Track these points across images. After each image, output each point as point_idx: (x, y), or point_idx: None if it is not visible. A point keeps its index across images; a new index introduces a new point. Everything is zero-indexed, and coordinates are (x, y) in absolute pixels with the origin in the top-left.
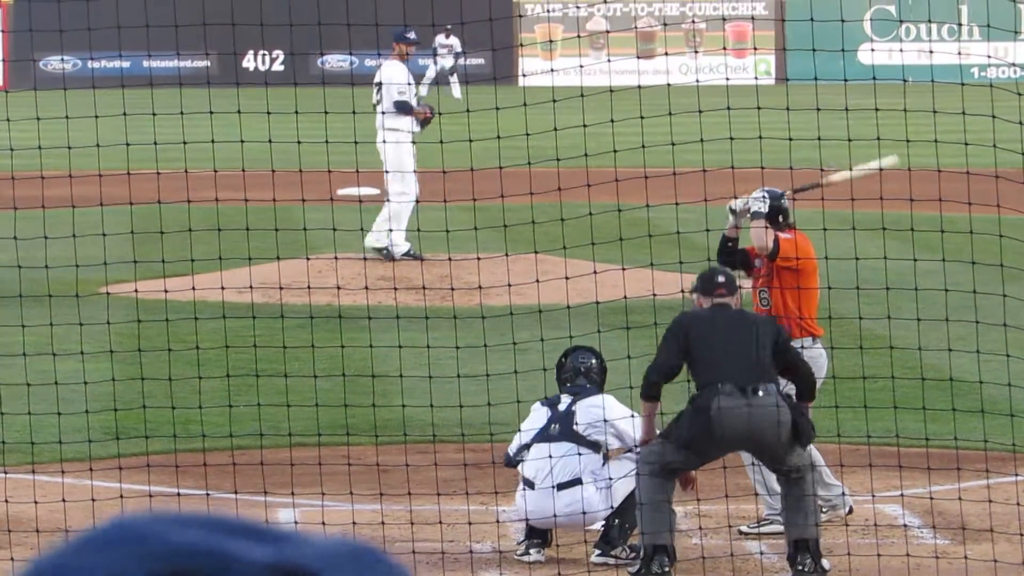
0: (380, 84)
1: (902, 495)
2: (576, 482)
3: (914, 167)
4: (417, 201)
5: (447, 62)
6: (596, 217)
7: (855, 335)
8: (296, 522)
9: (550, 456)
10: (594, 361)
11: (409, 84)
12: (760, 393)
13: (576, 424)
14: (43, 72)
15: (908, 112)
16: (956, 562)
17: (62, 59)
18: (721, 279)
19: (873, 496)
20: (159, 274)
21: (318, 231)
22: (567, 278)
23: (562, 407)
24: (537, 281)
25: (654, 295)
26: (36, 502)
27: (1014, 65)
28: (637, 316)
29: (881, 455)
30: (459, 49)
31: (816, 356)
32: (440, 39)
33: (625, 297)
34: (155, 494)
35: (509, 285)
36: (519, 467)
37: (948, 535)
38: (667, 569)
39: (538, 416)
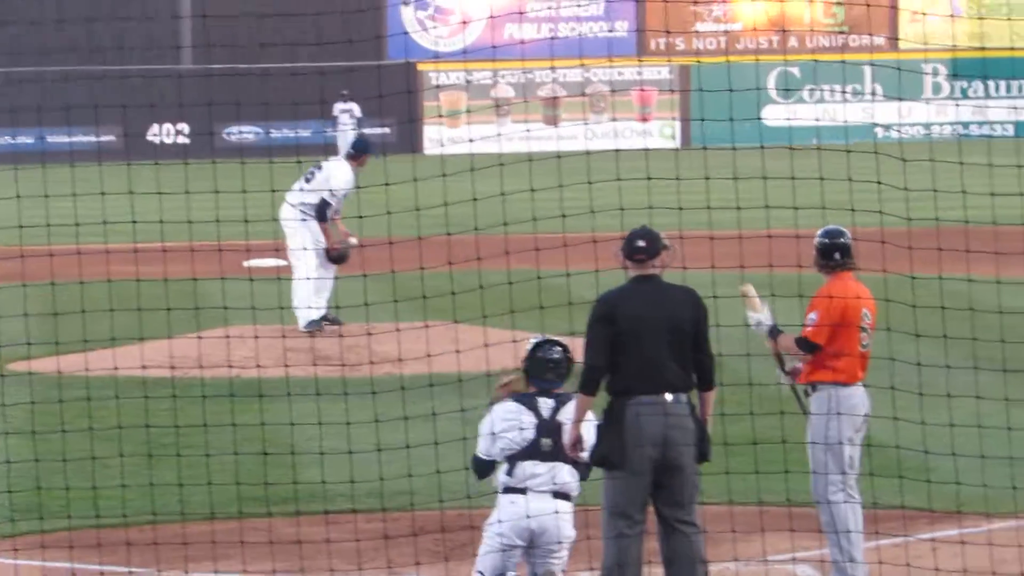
0: (319, 170)
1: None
2: (567, 496)
3: (802, 227)
4: (337, 277)
5: (349, 131)
6: (516, 286)
7: (770, 398)
8: None
9: (548, 471)
10: (561, 352)
11: (345, 194)
12: (673, 400)
13: (565, 440)
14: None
15: (797, 180)
16: None
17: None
18: (641, 243)
19: (766, 559)
20: (52, 352)
21: (214, 301)
22: (487, 346)
23: (545, 413)
24: (457, 352)
25: (572, 361)
26: None
27: (904, 125)
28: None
29: (801, 517)
30: (359, 114)
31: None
32: (339, 105)
33: (519, 367)
34: (49, 571)
35: (428, 356)
36: (500, 477)
37: None
38: None
39: (521, 423)
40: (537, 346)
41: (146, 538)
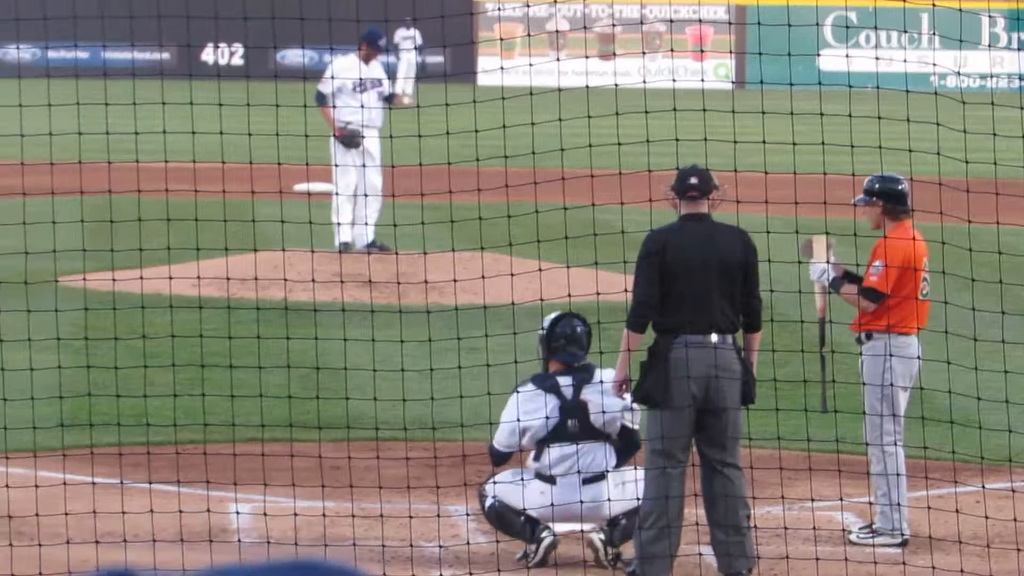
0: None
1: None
2: (601, 477)
3: (858, 173)
4: (385, 197)
5: (410, 56)
6: (542, 215)
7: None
8: (238, 512)
9: (576, 453)
10: (581, 327)
11: (354, 81)
12: (719, 340)
13: (591, 418)
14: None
15: (853, 118)
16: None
17: (18, 47)
18: (693, 180)
19: (812, 500)
20: (108, 265)
21: (269, 223)
22: (512, 275)
23: (568, 394)
24: (483, 277)
25: (598, 294)
26: None
27: (961, 74)
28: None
29: (849, 463)
30: (420, 41)
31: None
32: (401, 31)
33: (569, 296)
34: (98, 484)
35: (455, 280)
36: (532, 462)
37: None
38: None
39: (544, 407)
40: (556, 320)
41: (196, 455)
